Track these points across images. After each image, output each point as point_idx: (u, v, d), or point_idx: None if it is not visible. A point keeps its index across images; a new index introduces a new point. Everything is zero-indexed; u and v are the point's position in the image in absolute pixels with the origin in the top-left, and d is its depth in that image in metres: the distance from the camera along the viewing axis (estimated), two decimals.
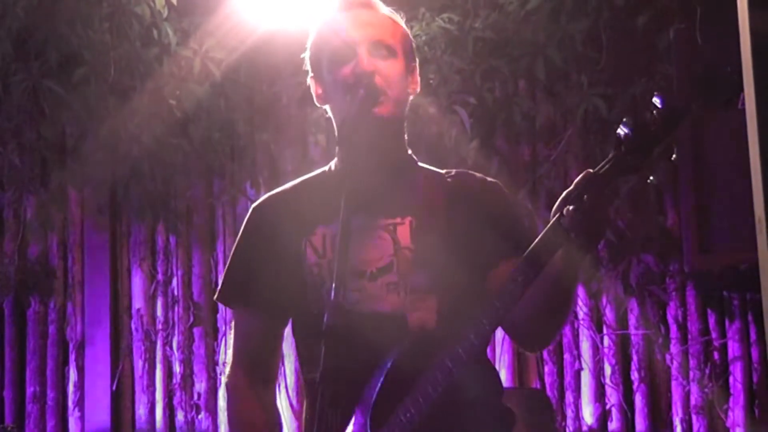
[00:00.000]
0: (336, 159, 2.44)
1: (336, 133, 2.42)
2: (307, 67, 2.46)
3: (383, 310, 2.25)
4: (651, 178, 2.18)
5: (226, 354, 2.50)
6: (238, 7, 4.76)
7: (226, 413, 2.65)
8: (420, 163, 2.45)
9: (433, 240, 2.28)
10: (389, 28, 2.38)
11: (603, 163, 2.02)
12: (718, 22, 4.33)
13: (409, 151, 2.43)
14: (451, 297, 2.27)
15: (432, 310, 2.25)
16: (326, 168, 2.47)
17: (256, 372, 2.44)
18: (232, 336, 2.49)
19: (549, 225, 2.08)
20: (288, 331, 2.48)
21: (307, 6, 4.09)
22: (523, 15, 4.72)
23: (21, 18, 4.80)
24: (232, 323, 2.53)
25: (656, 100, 1.96)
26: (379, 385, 2.16)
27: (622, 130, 1.99)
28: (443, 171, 2.45)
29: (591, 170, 2.03)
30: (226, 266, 2.51)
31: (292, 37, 2.44)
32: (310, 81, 2.45)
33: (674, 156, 2.03)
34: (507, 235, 2.33)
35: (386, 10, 2.43)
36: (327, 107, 2.43)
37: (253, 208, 2.48)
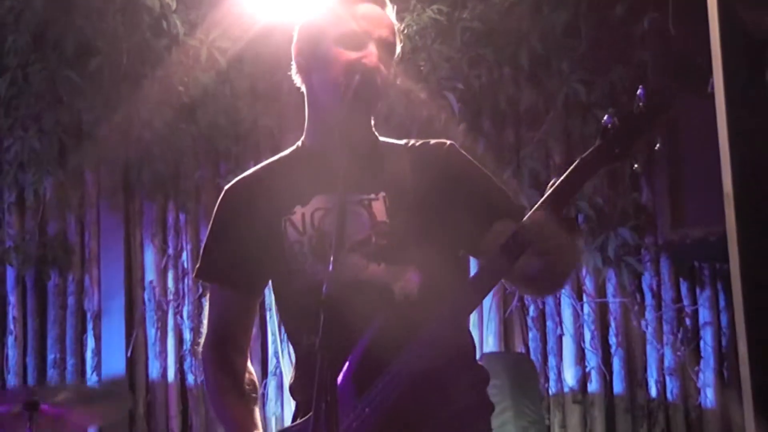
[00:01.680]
0: (304, 137, 2.44)
1: (308, 108, 2.41)
2: (296, 33, 2.42)
3: (365, 280, 2.24)
4: (636, 165, 2.13)
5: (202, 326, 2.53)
6: (243, 0, 4.83)
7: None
8: (381, 138, 2.44)
9: (408, 213, 2.28)
10: (394, 35, 2.38)
11: (589, 150, 2.04)
12: (689, 12, 4.38)
13: (373, 129, 2.43)
14: (430, 267, 2.26)
15: (413, 281, 2.25)
16: (294, 147, 2.46)
17: (229, 344, 2.43)
18: (207, 310, 2.47)
19: (534, 207, 2.11)
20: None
21: None
22: (508, 6, 4.82)
23: (39, 12, 4.95)
24: (208, 297, 2.50)
25: (640, 92, 1.97)
26: (361, 352, 2.15)
27: (607, 121, 1.99)
28: (402, 142, 2.45)
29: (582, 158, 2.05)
30: (204, 244, 2.47)
31: (293, 28, 2.48)
32: (294, 47, 2.41)
33: (658, 145, 2.05)
34: (481, 194, 2.35)
35: (392, 15, 2.41)
36: (298, 76, 2.42)
37: (227, 190, 2.46)
